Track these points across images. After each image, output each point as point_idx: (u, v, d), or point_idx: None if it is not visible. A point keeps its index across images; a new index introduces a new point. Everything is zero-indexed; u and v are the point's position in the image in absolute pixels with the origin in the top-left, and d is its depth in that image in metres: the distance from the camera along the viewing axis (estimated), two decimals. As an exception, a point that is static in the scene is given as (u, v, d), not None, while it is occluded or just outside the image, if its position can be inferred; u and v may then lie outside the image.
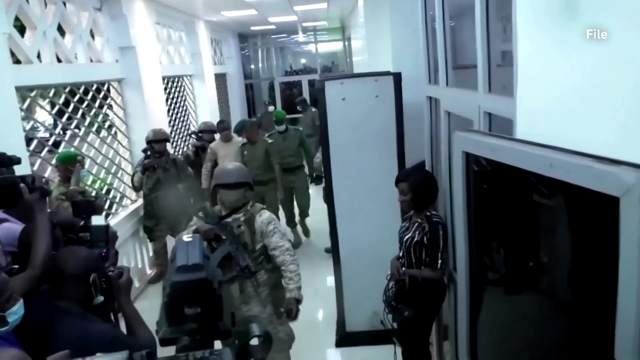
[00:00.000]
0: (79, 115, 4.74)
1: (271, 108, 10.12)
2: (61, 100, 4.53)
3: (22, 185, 1.89)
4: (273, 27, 12.00)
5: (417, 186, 2.88)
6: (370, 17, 5.50)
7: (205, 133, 6.37)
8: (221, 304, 0.97)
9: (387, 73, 3.80)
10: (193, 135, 6.73)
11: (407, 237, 2.95)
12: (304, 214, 6.56)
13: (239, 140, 6.06)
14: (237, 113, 11.33)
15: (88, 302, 1.91)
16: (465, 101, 2.51)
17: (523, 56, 1.75)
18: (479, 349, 2.02)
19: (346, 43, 13.60)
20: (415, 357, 3.11)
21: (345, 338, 4.08)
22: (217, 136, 6.25)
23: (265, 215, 3.06)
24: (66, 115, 4.50)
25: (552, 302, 1.59)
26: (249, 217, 3.03)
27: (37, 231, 1.92)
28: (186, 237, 1.03)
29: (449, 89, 2.91)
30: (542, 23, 1.67)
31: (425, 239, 2.82)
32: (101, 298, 1.95)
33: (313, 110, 8.52)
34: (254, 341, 0.97)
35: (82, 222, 2.28)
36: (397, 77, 3.70)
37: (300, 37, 14.92)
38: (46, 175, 4.26)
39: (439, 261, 2.79)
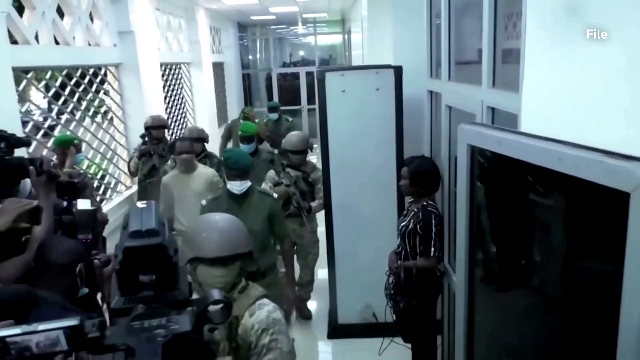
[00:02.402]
0: (75, 99, 4.69)
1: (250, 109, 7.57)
2: (57, 83, 4.47)
3: (30, 167, 1.86)
4: (273, 17, 11.91)
5: (416, 172, 2.93)
6: (373, 11, 5.47)
7: (154, 129, 4.93)
8: (177, 271, 0.94)
9: (388, 66, 3.79)
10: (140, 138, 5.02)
11: (402, 224, 3.02)
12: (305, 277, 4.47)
13: (208, 173, 4.26)
14: (234, 103, 11.27)
15: (72, 293, 1.85)
16: (468, 96, 2.50)
17: (530, 52, 1.74)
18: (476, 346, 2.02)
19: (346, 36, 13.55)
20: (419, 349, 3.14)
21: (337, 330, 4.09)
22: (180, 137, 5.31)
23: (262, 314, 1.82)
24: (62, 99, 4.44)
25: (555, 299, 1.59)
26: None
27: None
28: (140, 204, 0.99)
29: (451, 83, 2.90)
30: (550, 21, 1.66)
31: (418, 227, 2.89)
32: (86, 290, 1.90)
33: (289, 120, 7.53)
34: (213, 307, 0.94)
35: (65, 204, 2.21)
36: (398, 71, 3.69)
37: (300, 28, 14.84)
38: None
39: (432, 249, 2.83)
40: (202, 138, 4.93)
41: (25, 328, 0.83)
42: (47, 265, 1.80)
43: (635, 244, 1.09)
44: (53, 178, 1.99)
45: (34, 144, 4.10)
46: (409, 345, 3.18)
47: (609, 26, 1.50)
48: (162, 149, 4.96)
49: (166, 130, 5.24)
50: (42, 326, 0.84)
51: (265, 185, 3.95)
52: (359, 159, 3.79)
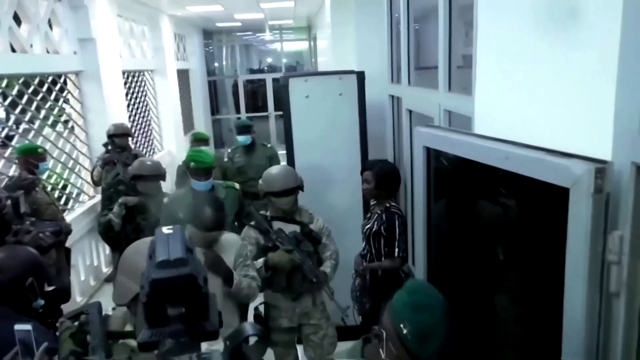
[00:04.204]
0: (33, 108, 4.58)
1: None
2: (14, 92, 4.36)
3: None
4: (239, 24, 11.89)
5: (381, 176, 2.98)
6: (336, 18, 5.54)
7: (117, 137, 4.80)
8: (207, 302, 0.88)
9: (351, 72, 3.85)
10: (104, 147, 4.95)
11: (367, 227, 3.07)
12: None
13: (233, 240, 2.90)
14: (200, 110, 11.18)
15: (25, 306, 1.81)
16: (426, 99, 2.58)
17: (482, 58, 1.82)
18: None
19: (312, 43, 13.63)
20: None
21: (306, 334, 4.08)
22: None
23: None
24: (20, 108, 4.34)
25: (508, 294, 1.66)
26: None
27: None
28: (166, 229, 0.92)
29: (411, 87, 2.98)
30: (500, 28, 1.74)
31: (382, 228, 2.93)
32: (41, 302, 1.86)
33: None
34: (247, 342, 0.89)
35: None
36: (361, 76, 3.76)
37: (267, 35, 14.86)
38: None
39: (396, 250, 2.89)
40: (127, 134, 4.93)
41: None
42: None
43: (575, 236, 1.16)
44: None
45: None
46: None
47: (556, 31, 1.58)
48: (126, 157, 4.89)
49: (130, 139, 5.17)
50: None
51: (245, 260, 2.54)
52: (324, 163, 3.83)
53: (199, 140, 5.51)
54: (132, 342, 1.58)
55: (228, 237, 2.55)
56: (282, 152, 4.18)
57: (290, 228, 2.83)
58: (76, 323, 1.48)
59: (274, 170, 3.01)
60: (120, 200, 3.67)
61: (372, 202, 3.21)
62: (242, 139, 4.98)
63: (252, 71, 15.33)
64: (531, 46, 1.49)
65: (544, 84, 1.42)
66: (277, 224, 2.84)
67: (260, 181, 2.92)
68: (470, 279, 1.82)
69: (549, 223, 1.33)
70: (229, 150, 5.24)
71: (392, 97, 3.56)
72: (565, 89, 1.33)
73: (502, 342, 1.72)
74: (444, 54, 2.28)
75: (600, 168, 1.08)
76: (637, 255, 1.13)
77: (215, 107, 13.07)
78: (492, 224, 1.70)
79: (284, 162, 4.04)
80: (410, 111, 2.97)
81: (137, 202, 3.64)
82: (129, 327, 1.62)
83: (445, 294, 1.95)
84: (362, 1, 4.56)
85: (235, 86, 13.51)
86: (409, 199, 3.02)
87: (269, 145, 5.15)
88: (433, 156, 1.84)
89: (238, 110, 13.21)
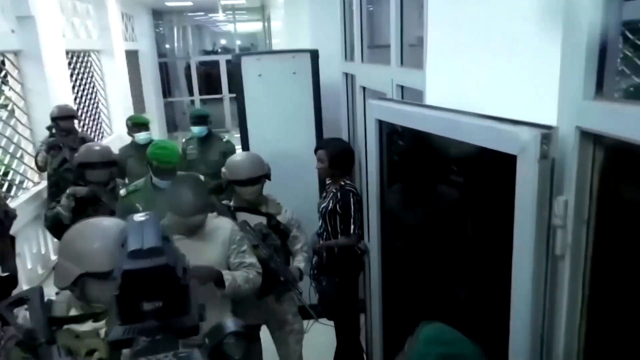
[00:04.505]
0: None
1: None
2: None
3: None
4: (190, 3, 11.54)
5: (334, 154, 2.97)
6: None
7: (62, 120, 4.48)
8: (187, 294, 0.81)
9: (305, 50, 3.80)
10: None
11: (322, 206, 3.07)
12: None
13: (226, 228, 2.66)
14: (151, 94, 10.84)
15: None
16: (379, 75, 2.57)
17: (433, 29, 1.82)
18: (391, 319, 2.10)
19: (266, 24, 13.41)
20: (342, 327, 3.20)
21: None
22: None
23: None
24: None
25: (462, 266, 1.68)
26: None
27: None
28: (139, 216, 0.85)
29: (364, 64, 2.97)
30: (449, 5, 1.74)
31: (338, 206, 2.94)
32: None
33: (224, 140, 4.64)
34: (229, 339, 0.84)
35: None
36: (314, 54, 3.72)
37: (220, 16, 14.50)
38: None
39: (352, 227, 2.90)
40: (72, 116, 4.61)
41: None
42: None
43: (522, 202, 1.18)
44: None
45: None
46: (332, 324, 3.25)
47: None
48: (72, 141, 4.68)
49: (76, 121, 4.94)
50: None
51: (240, 246, 2.36)
52: (278, 142, 3.79)
53: (138, 124, 4.73)
54: (77, 328, 1.52)
55: (216, 222, 2.31)
56: (238, 135, 4.02)
57: (256, 220, 2.61)
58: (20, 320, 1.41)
59: (238, 156, 2.81)
60: (68, 191, 3.32)
61: (328, 181, 3.20)
62: (197, 130, 4.44)
63: (206, 53, 14.97)
64: (478, 16, 1.50)
65: (492, 54, 1.43)
66: (241, 216, 2.62)
67: (223, 169, 2.72)
68: (424, 252, 1.85)
69: (499, 192, 1.35)
70: (183, 141, 4.79)
71: (346, 75, 3.55)
72: (513, 57, 1.35)
73: (456, 309, 1.76)
74: (396, 28, 2.27)
75: (546, 134, 1.10)
76: (581, 219, 1.16)
77: (167, 90, 12.71)
78: (445, 197, 1.72)
79: (238, 146, 3.94)
80: (364, 88, 2.97)
81: (87, 192, 3.30)
82: (73, 312, 1.56)
83: (401, 269, 1.98)
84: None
85: (188, 68, 13.17)
86: (364, 176, 3.03)
87: (225, 140, 4.62)
88: (386, 132, 1.84)
89: (191, 93, 12.92)
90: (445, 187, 1.73)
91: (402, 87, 2.26)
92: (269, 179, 2.74)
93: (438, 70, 1.79)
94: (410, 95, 2.18)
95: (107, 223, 1.62)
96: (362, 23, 3.10)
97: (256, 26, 14.65)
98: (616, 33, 1.01)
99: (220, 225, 2.31)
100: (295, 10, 5.26)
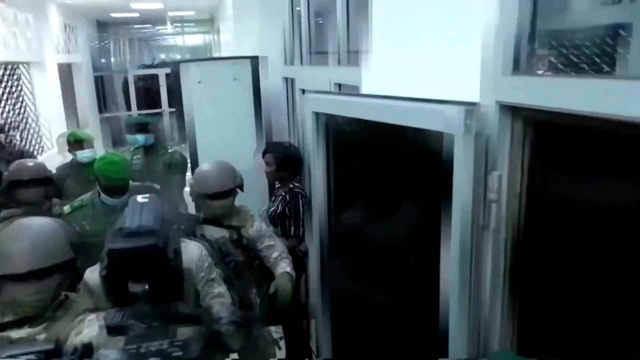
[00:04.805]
0: None
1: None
2: None
3: None
4: (136, 15, 11.27)
5: (281, 157, 3.00)
6: (238, 10, 5.44)
7: None
8: (179, 278, 0.79)
9: (245, 57, 3.81)
10: None
11: (271, 209, 3.08)
12: None
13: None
14: (86, 108, 10.45)
15: None
16: (318, 76, 2.62)
17: (375, 30, 1.87)
18: (336, 320, 2.11)
19: (215, 36, 13.29)
20: (290, 332, 3.17)
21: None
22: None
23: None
24: None
25: (403, 252, 1.72)
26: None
27: None
28: (142, 198, 0.84)
29: (303, 67, 3.02)
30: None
31: (286, 209, 2.95)
32: None
33: (169, 149, 4.39)
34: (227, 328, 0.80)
35: None
36: (255, 61, 3.73)
37: (169, 28, 14.19)
38: None
39: (301, 229, 2.92)
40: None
41: None
42: None
43: (459, 179, 1.22)
44: None
45: None
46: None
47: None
48: (8, 154, 4.41)
49: (2, 135, 4.68)
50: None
51: (209, 273, 2.04)
52: (221, 149, 3.73)
53: (79, 141, 4.01)
54: (11, 334, 1.44)
55: (183, 247, 1.95)
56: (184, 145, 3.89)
57: (220, 233, 2.42)
58: None
59: (206, 166, 2.58)
60: (2, 215, 2.87)
61: (277, 185, 3.21)
62: (142, 138, 4.17)
63: (146, 66, 14.60)
64: (407, 8, 1.56)
65: (419, 42, 1.50)
66: (206, 229, 2.42)
67: (190, 180, 2.52)
68: (368, 240, 1.88)
69: (438, 172, 1.40)
70: (131, 150, 4.46)
71: (286, 79, 3.58)
72: (438, 43, 1.41)
73: (397, 293, 1.79)
74: (341, 29, 2.33)
75: (469, 110, 1.16)
76: (514, 193, 1.22)
77: (103, 105, 12.28)
78: (388, 185, 1.75)
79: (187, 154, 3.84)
80: (304, 90, 3.01)
81: (22, 214, 2.72)
82: (9, 318, 1.47)
83: (344, 256, 2.00)
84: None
85: (125, 83, 12.77)
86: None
87: (170, 150, 4.32)
88: (323, 124, 1.86)
89: (129, 108, 12.53)
90: (389, 176, 1.76)
91: (339, 85, 2.32)
92: (242, 190, 2.57)
93: (373, 64, 1.85)
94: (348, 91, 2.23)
95: (37, 222, 1.54)
96: (309, 26, 3.16)
97: (206, 39, 14.49)
98: (530, 11, 1.08)
99: (188, 250, 2.00)
100: (244, 22, 5.25)
